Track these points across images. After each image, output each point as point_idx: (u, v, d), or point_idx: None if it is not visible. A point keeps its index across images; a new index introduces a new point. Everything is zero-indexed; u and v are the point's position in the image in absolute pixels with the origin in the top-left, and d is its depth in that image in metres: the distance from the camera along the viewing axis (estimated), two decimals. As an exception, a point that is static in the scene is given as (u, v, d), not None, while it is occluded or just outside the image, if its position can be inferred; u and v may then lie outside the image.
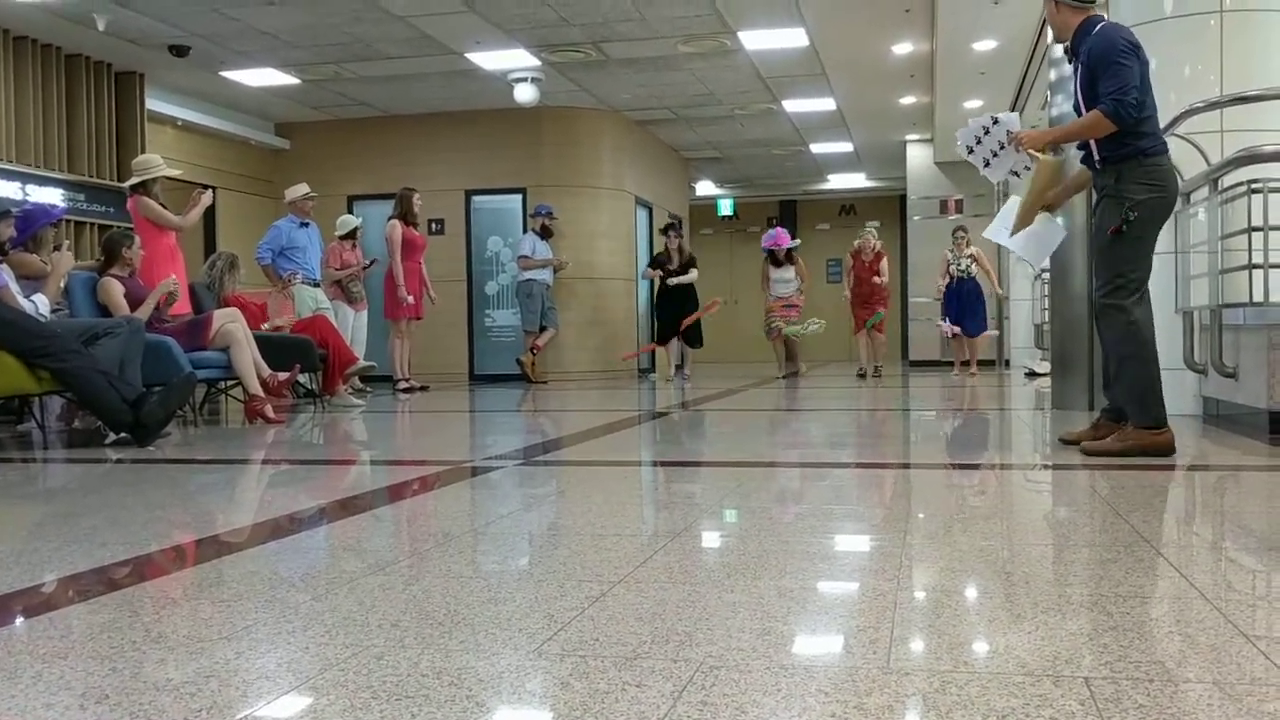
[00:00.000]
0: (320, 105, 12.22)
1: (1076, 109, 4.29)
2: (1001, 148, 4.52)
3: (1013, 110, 11.68)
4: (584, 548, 2.51)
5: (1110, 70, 4.05)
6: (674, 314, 11.63)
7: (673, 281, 11.52)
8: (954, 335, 11.64)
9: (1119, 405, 4.30)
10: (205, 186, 11.79)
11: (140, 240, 6.51)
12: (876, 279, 11.42)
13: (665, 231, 11.83)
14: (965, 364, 11.77)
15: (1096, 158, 4.22)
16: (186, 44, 9.60)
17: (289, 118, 12.79)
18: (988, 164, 4.63)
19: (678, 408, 7.73)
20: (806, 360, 14.26)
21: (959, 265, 11.62)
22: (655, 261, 11.89)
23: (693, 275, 11.55)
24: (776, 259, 11.61)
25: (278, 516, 3.21)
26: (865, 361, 11.77)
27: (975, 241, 11.38)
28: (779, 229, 11.77)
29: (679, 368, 12.00)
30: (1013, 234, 4.58)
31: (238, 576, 2.25)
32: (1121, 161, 4.12)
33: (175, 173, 7.24)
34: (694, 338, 11.73)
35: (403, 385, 9.91)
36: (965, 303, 11.56)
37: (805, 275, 11.79)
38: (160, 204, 7.01)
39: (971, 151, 4.63)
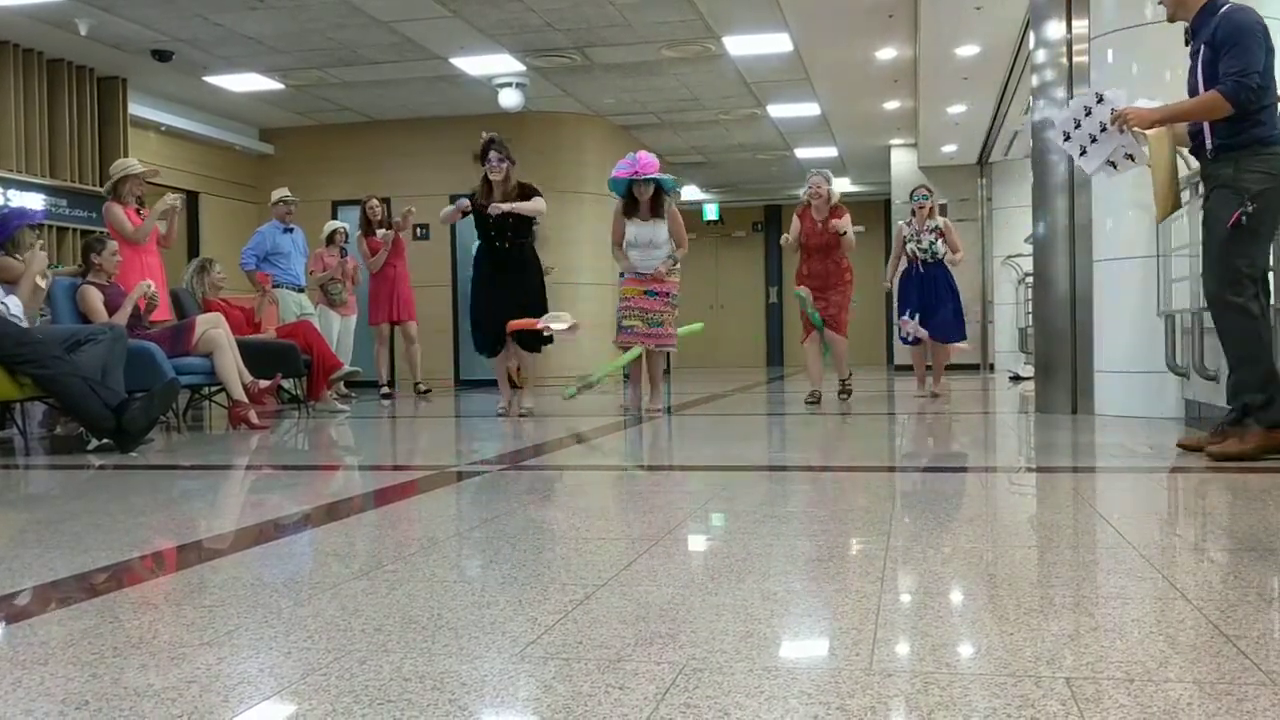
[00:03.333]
0: (304, 110, 12.19)
1: (1192, 94, 4.05)
2: (1103, 129, 4.25)
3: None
4: (568, 551, 2.51)
5: (1236, 50, 3.82)
6: (500, 301, 6.88)
7: (505, 207, 6.71)
8: (915, 340, 8.38)
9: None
10: (189, 192, 11.81)
11: (118, 245, 6.47)
12: (835, 225, 7.58)
13: (482, 155, 6.91)
14: (930, 367, 8.56)
15: (1210, 145, 4.01)
16: (169, 49, 9.56)
17: (273, 123, 12.75)
18: (1084, 151, 4.35)
19: (664, 412, 7.74)
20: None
21: (919, 243, 8.26)
22: (468, 198, 6.90)
23: (537, 205, 6.84)
24: (636, 203, 6.85)
25: (261, 522, 3.19)
26: (817, 379, 7.89)
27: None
28: (642, 153, 6.96)
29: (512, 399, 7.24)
30: (1159, 221, 4.31)
31: (220, 582, 2.24)
32: (1239, 150, 3.91)
33: (140, 170, 7.08)
34: (531, 340, 7.01)
35: (384, 390, 9.89)
36: (930, 295, 8.26)
37: (683, 239, 7.05)
38: (137, 208, 6.93)
39: (1068, 138, 4.39)
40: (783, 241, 8.00)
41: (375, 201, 9.90)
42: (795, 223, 7.87)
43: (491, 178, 6.85)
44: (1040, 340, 6.85)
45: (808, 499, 3.45)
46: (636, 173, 6.79)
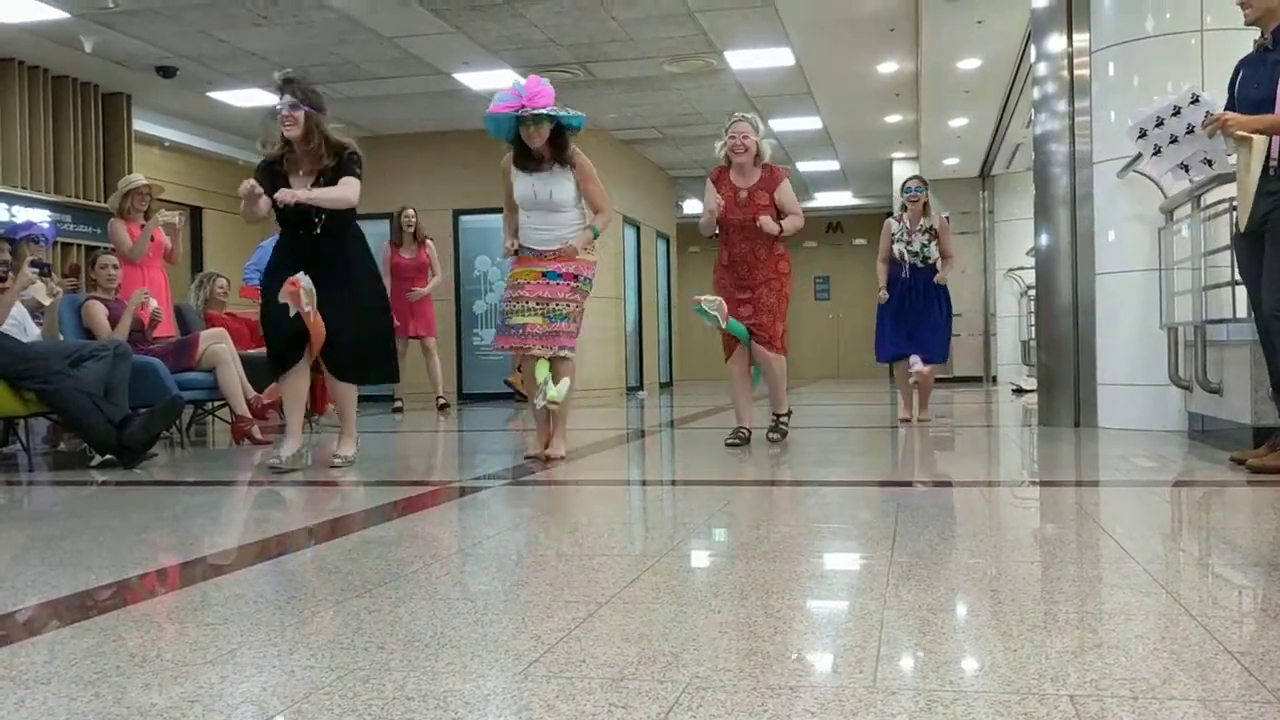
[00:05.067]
0: (308, 125, 12.23)
1: (1266, 103, 4.03)
2: (1189, 131, 4.18)
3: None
4: (571, 568, 2.50)
5: None
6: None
7: (298, 195, 4.59)
8: (896, 356, 7.03)
9: None
10: (193, 207, 11.84)
11: (116, 260, 6.48)
12: (763, 222, 5.32)
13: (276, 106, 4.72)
14: (915, 384, 6.99)
15: (1275, 162, 4.00)
16: (174, 65, 9.60)
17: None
18: (1158, 151, 4.27)
19: (665, 426, 7.73)
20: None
21: (910, 244, 6.94)
22: (264, 167, 4.82)
23: (343, 193, 4.68)
24: (530, 153, 4.95)
25: (264, 538, 3.19)
26: (745, 413, 5.67)
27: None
28: (532, 79, 5.01)
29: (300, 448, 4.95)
30: (1245, 228, 4.18)
31: (223, 599, 2.24)
32: None
33: (143, 183, 7.03)
34: (354, 362, 4.89)
35: (397, 404, 9.89)
36: (918, 305, 6.92)
37: (602, 200, 5.04)
38: (142, 223, 6.91)
39: (1143, 135, 4.31)
40: (702, 226, 5.59)
41: (411, 211, 9.81)
42: (710, 190, 5.55)
43: (286, 133, 4.70)
44: (1043, 353, 6.85)
45: (810, 514, 3.44)
46: (523, 106, 4.88)
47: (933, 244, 6.92)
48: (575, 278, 4.98)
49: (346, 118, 11.92)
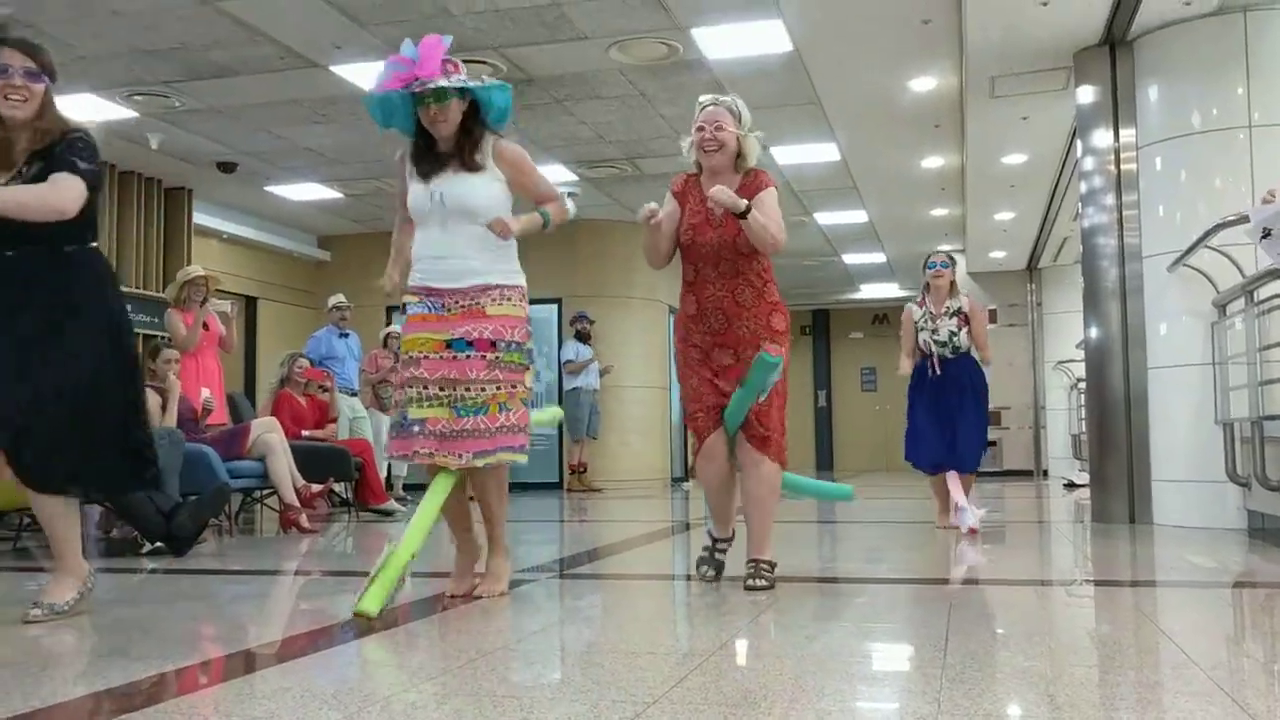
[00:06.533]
0: (361, 218, 12.51)
1: None
2: None
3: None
4: (618, 666, 2.47)
5: None
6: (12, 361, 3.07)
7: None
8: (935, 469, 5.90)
9: None
10: (248, 297, 12.10)
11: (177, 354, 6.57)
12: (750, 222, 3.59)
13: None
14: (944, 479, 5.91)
15: None
16: (234, 160, 9.90)
17: (330, 230, 13.08)
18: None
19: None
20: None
21: (936, 333, 5.85)
22: None
23: (48, 193, 3.00)
24: (430, 144, 3.49)
25: (310, 629, 3.19)
26: (726, 518, 3.88)
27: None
28: (428, 40, 3.36)
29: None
30: None
31: (269, 692, 2.23)
32: None
33: (197, 271, 7.13)
34: (52, 458, 3.11)
35: None
36: (952, 402, 5.80)
37: (550, 191, 3.60)
38: (195, 311, 6.96)
39: (1267, 235, 4.35)
40: (646, 248, 3.91)
41: None
42: (671, 204, 3.89)
43: (7, 111, 3.13)
44: (1095, 448, 6.74)
45: (860, 613, 3.39)
46: (416, 78, 3.37)
47: (963, 331, 5.80)
48: (492, 345, 3.36)
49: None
